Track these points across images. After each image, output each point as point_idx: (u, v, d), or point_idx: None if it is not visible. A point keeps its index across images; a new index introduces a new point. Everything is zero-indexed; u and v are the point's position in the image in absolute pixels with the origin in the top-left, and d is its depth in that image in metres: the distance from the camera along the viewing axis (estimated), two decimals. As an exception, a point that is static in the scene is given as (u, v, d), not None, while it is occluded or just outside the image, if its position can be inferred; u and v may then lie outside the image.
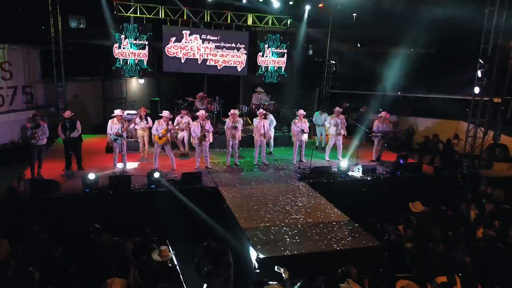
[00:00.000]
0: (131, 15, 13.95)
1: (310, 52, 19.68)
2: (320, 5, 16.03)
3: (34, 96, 14.25)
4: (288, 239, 6.35)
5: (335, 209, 7.63)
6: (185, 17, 14.58)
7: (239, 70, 15.45)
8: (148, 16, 14.17)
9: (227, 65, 15.15)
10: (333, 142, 10.97)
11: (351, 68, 17.88)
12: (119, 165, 9.06)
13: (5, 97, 13.22)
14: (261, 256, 5.67)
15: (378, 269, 5.66)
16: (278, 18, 15.52)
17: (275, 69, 16.00)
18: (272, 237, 6.40)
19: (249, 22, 15.32)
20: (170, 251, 5.33)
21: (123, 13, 13.80)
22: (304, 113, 10.58)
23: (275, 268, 5.08)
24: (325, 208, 7.73)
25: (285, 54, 15.97)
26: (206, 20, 14.79)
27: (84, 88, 16.23)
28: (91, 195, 7.74)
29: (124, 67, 14.15)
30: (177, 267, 5.51)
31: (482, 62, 9.47)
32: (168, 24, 14.54)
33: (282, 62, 16.00)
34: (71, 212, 7.35)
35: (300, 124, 10.37)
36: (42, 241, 5.53)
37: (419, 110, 16.32)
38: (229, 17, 14.96)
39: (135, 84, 18.30)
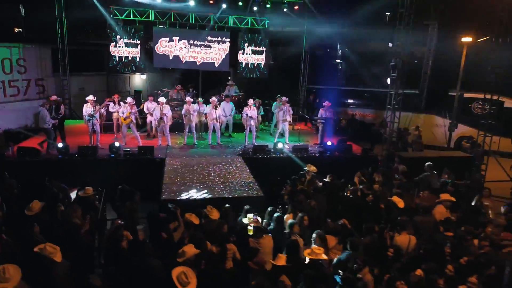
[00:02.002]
0: (125, 18, 16.28)
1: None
2: (296, 7, 17.67)
3: (46, 88, 16.83)
4: (195, 190, 8.26)
5: (249, 174, 9.43)
6: (172, 19, 16.76)
7: (216, 65, 17.36)
8: (140, 19, 16.46)
9: (210, 61, 17.15)
10: (280, 127, 12.67)
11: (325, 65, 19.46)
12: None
13: (20, 88, 15.85)
14: (163, 197, 7.63)
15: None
16: (256, 20, 17.36)
17: (255, 65, 17.81)
18: (182, 187, 8.33)
19: (230, 23, 17.29)
20: (92, 191, 7.36)
21: (118, 16, 16.15)
22: (253, 102, 12.37)
23: (169, 205, 6.97)
24: (241, 174, 9.52)
25: (264, 52, 17.75)
26: (191, 21, 16.89)
27: (90, 82, 18.71)
28: (62, 160, 9.97)
29: (120, 63, 16.49)
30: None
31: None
32: (158, 25, 16.76)
33: (261, 59, 17.79)
34: (46, 172, 9.53)
35: (249, 111, 12.15)
36: (6, 185, 7.73)
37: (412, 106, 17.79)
38: (211, 19, 16.98)
39: (138, 79, 20.64)
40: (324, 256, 5.03)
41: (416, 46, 15.10)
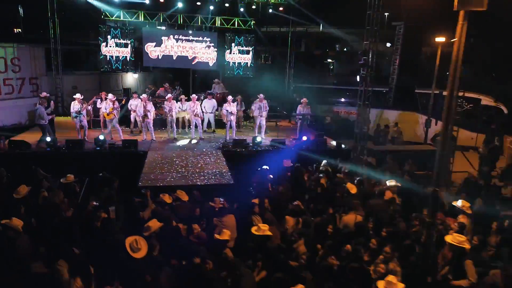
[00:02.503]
0: (116, 19, 16.96)
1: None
2: (281, 8, 18.35)
3: (39, 86, 17.48)
4: (171, 178, 8.94)
5: (224, 165, 10.11)
6: (161, 20, 17.44)
7: (211, 65, 18.07)
8: (130, 19, 17.13)
9: (200, 61, 17.81)
10: (258, 122, 13.32)
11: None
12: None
13: (15, 86, 16.51)
14: (140, 184, 8.30)
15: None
16: (243, 20, 18.04)
17: (242, 64, 18.47)
18: (159, 176, 9.00)
19: (218, 24, 17.96)
20: (73, 178, 8.01)
21: (109, 17, 16.82)
22: (232, 98, 13.02)
23: (142, 190, 7.63)
24: (217, 165, 10.20)
25: (250, 52, 18.41)
26: (179, 22, 17.56)
27: (83, 81, 19.39)
28: (50, 152, 10.65)
29: (112, 62, 17.15)
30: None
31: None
32: (147, 26, 17.43)
33: (247, 58, 18.45)
34: (35, 163, 10.18)
35: (229, 107, 12.80)
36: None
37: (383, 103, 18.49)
38: (199, 20, 17.66)
39: (130, 78, 21.32)
40: (269, 232, 5.65)
41: (385, 46, 15.75)
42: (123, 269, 4.79)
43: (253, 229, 5.70)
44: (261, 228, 5.64)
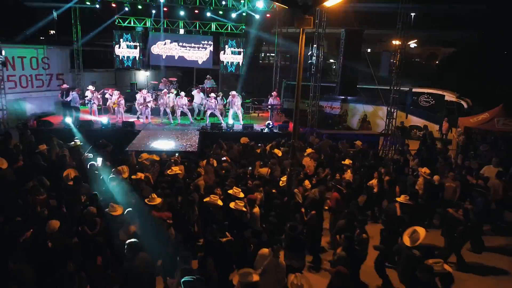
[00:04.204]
0: (126, 25, 20.27)
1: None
2: (268, 15, 21.14)
3: (64, 81, 20.98)
4: (151, 146, 12.02)
5: (196, 140, 13.08)
6: (165, 26, 20.64)
7: (207, 64, 21.11)
8: (139, 25, 20.42)
9: (197, 60, 20.89)
10: (231, 111, 16.08)
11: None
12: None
13: (44, 81, 20.06)
14: (127, 149, 11.39)
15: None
16: (235, 26, 20.98)
17: (234, 63, 21.40)
18: (142, 145, 12.10)
19: (213, 29, 20.99)
20: (79, 143, 11.14)
21: (121, 23, 20.15)
22: (214, 94, 15.99)
23: (128, 152, 10.70)
24: (190, 139, 13.19)
25: (241, 53, 21.30)
26: (180, 27, 20.71)
27: (101, 77, 22.85)
28: (66, 129, 13.96)
29: (124, 61, 20.45)
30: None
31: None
32: (153, 31, 20.66)
33: (239, 58, 21.36)
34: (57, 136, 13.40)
35: (209, 101, 15.78)
36: (28, 138, 11.66)
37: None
38: (197, 25, 20.75)
39: (142, 74, 24.66)
40: (244, 208, 6.89)
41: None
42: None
43: (231, 204, 6.87)
44: (239, 204, 6.88)
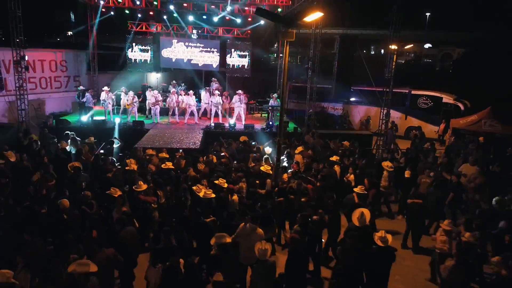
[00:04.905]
0: (139, 30, 21.53)
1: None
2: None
3: (81, 82, 22.36)
4: (156, 144, 13.14)
5: (199, 138, 14.16)
6: (175, 30, 21.83)
7: (214, 67, 22.24)
8: (150, 30, 21.66)
9: (206, 63, 22.03)
10: (237, 112, 17.20)
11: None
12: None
13: (62, 82, 21.48)
14: (136, 146, 12.54)
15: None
16: (241, 30, 22.06)
17: (240, 66, 22.46)
18: (150, 143, 13.23)
19: (220, 33, 22.10)
20: (93, 139, 12.35)
21: (133, 29, 21.42)
22: (218, 92, 17.06)
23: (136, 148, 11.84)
24: (194, 137, 14.28)
25: (247, 56, 22.35)
26: (189, 32, 21.87)
27: (115, 78, 24.14)
28: (81, 126, 15.23)
29: (136, 64, 21.72)
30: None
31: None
32: (164, 35, 21.88)
33: (245, 61, 22.41)
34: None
35: (213, 99, 16.86)
36: (46, 135, 12.94)
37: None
38: (205, 30, 21.89)
39: (153, 76, 25.90)
40: (212, 195, 7.88)
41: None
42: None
43: (201, 194, 7.77)
44: (207, 193, 7.80)
